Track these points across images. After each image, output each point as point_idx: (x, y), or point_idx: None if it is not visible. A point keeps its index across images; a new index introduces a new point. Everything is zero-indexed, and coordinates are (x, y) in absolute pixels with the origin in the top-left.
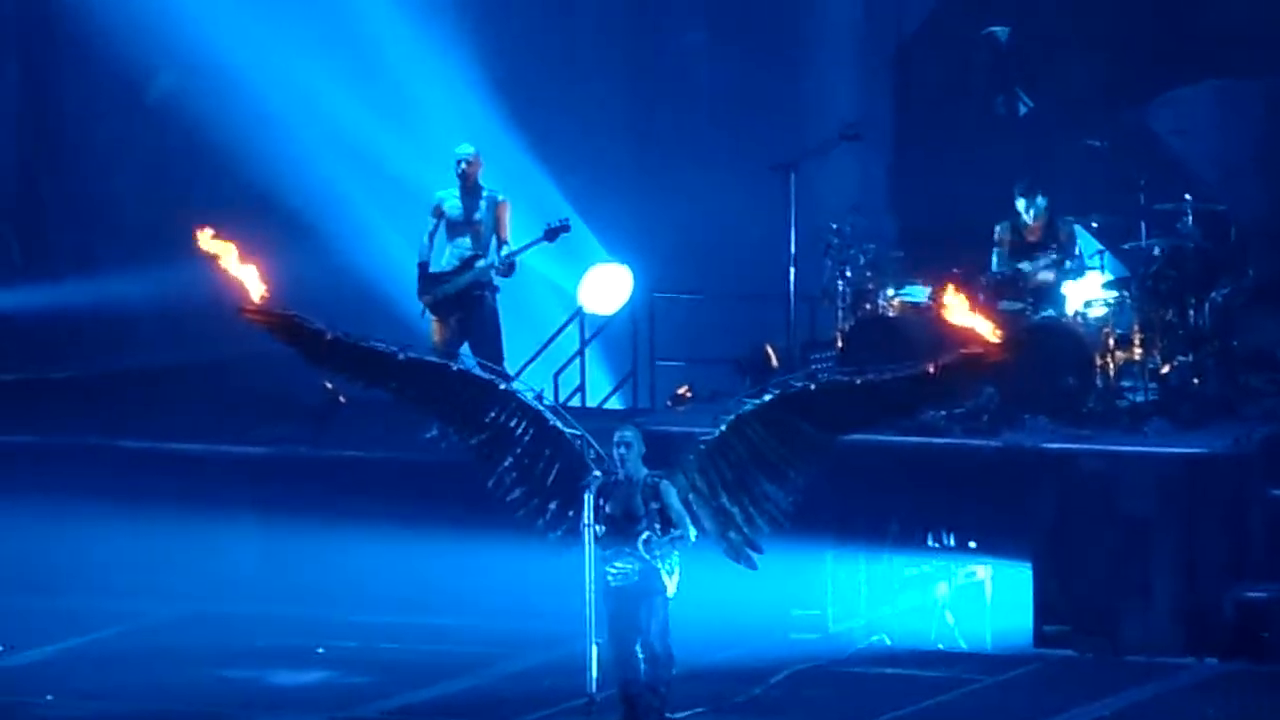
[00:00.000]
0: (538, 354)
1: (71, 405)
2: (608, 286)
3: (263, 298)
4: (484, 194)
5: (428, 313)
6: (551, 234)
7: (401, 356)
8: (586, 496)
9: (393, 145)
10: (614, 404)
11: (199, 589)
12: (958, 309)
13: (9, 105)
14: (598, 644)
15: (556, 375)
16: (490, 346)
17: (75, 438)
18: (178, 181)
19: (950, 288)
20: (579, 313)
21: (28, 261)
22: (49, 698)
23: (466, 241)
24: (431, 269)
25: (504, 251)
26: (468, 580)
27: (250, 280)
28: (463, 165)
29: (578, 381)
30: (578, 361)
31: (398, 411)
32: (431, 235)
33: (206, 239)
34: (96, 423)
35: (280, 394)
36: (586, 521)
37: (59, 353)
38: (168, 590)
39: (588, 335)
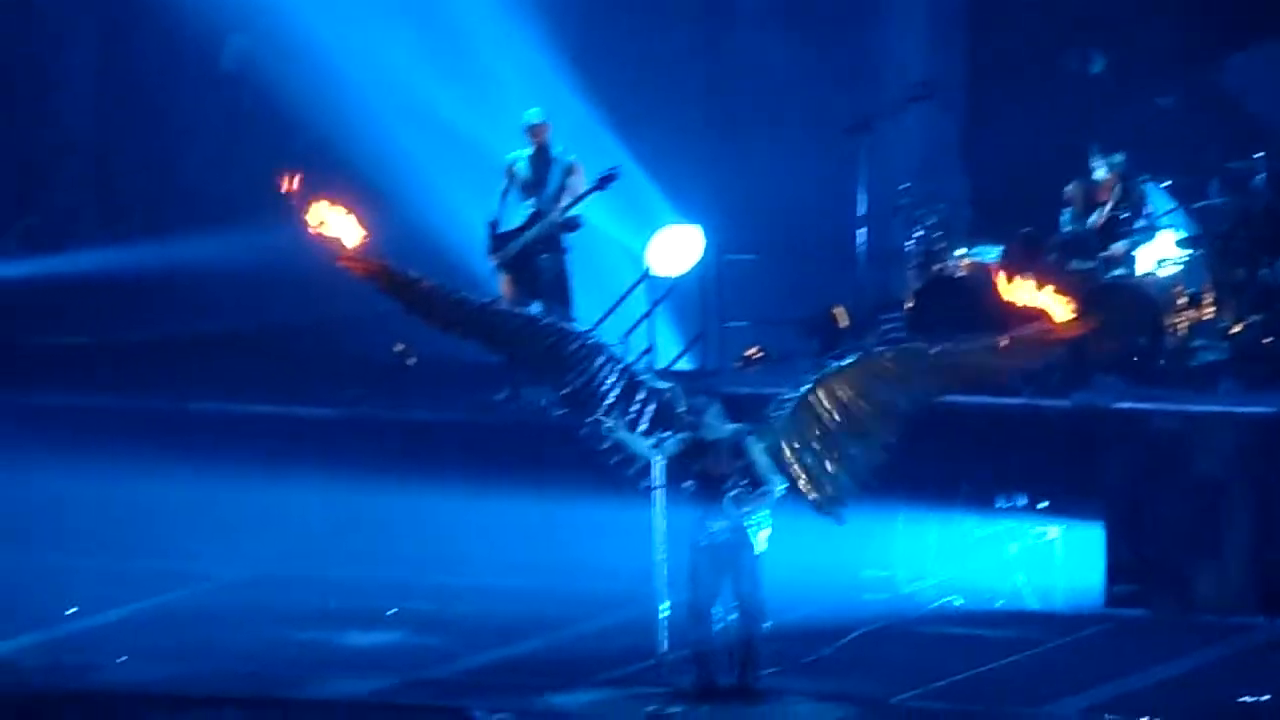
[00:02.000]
0: (606, 315)
1: (142, 368)
2: (677, 248)
3: (359, 246)
4: (555, 156)
5: (499, 272)
6: (603, 182)
7: (494, 308)
8: (656, 460)
9: (464, 109)
10: (683, 365)
11: (269, 551)
12: (1023, 291)
13: (87, 70)
14: (672, 604)
15: (625, 337)
16: (561, 307)
17: (146, 400)
18: (250, 146)
19: (1003, 275)
20: (646, 274)
21: (102, 225)
22: (122, 659)
23: (535, 204)
24: (501, 229)
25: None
26: (540, 541)
27: (348, 229)
28: (529, 133)
29: (646, 343)
30: (646, 323)
31: (468, 373)
32: (503, 196)
33: (317, 208)
34: (167, 386)
35: (350, 357)
36: (657, 483)
37: (131, 316)
38: (238, 553)
39: (657, 297)
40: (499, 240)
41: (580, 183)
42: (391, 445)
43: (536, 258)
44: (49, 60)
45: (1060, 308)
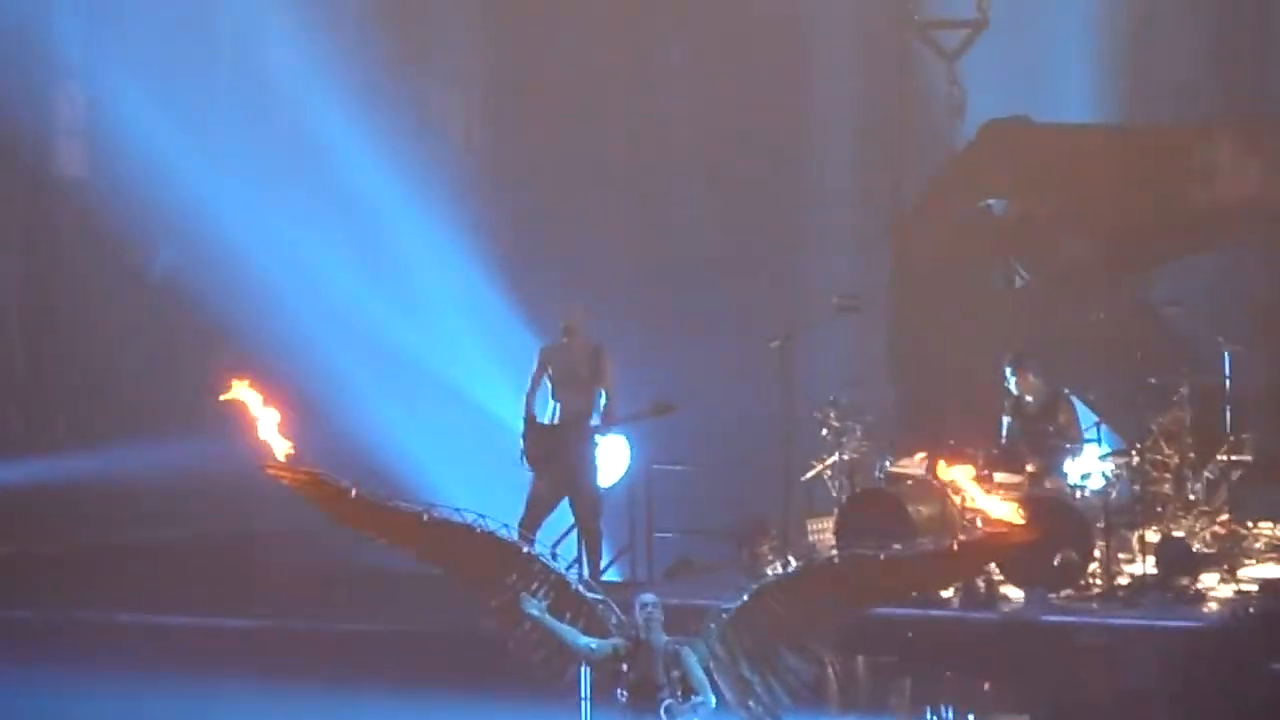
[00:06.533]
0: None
1: (70, 579)
2: (606, 458)
3: (288, 455)
4: (585, 345)
5: (525, 463)
6: (658, 410)
7: (425, 517)
8: (582, 670)
9: (394, 320)
10: (611, 576)
11: None
12: (973, 492)
13: (12, 281)
14: None
15: (554, 546)
16: (590, 496)
17: (73, 612)
18: (179, 357)
19: (961, 472)
20: None
21: (30, 435)
22: None
23: (570, 394)
24: (538, 419)
25: (605, 400)
26: None
27: (276, 438)
28: (565, 323)
29: (575, 553)
30: (575, 533)
31: (396, 583)
32: (535, 387)
33: (242, 388)
34: (95, 597)
35: (278, 567)
36: (582, 695)
37: (58, 526)
38: None
39: None
40: (536, 433)
41: (610, 368)
42: (321, 655)
43: (573, 453)
44: None
45: (1011, 513)
